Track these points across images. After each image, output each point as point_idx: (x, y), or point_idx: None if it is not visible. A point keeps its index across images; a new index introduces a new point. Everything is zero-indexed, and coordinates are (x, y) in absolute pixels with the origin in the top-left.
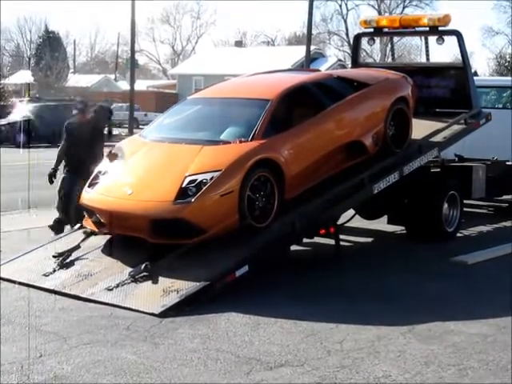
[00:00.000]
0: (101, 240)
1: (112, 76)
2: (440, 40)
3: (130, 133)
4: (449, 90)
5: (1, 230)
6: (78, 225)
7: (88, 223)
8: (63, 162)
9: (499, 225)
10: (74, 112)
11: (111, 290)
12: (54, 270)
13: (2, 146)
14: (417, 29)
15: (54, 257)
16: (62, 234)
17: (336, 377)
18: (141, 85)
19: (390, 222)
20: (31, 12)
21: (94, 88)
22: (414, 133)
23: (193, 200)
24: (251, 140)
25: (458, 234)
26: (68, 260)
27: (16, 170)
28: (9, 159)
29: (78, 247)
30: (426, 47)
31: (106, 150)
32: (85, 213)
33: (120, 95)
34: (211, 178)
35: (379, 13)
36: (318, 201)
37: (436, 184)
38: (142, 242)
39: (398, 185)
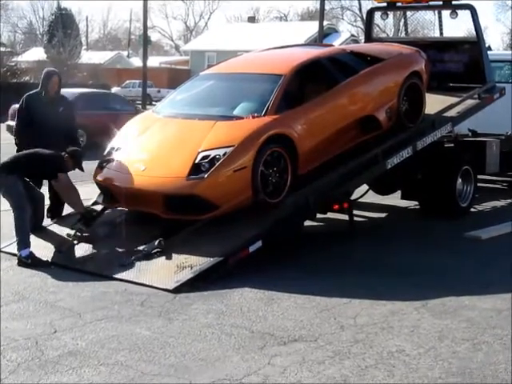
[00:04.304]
0: (114, 216)
1: (125, 53)
2: (453, 14)
3: (143, 109)
4: (462, 65)
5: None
6: (92, 201)
7: (101, 199)
8: None
9: None
10: None
11: (125, 265)
12: (68, 246)
13: None
14: (430, 3)
15: (68, 234)
16: (75, 211)
17: (350, 351)
18: (154, 61)
19: (403, 197)
20: None
21: (106, 65)
22: (427, 107)
23: (206, 176)
24: (264, 115)
25: (472, 209)
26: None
27: None
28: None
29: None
30: (440, 21)
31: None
32: (98, 189)
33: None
34: (224, 154)
35: None
36: (332, 176)
37: (450, 159)
38: (156, 217)
39: (412, 160)
